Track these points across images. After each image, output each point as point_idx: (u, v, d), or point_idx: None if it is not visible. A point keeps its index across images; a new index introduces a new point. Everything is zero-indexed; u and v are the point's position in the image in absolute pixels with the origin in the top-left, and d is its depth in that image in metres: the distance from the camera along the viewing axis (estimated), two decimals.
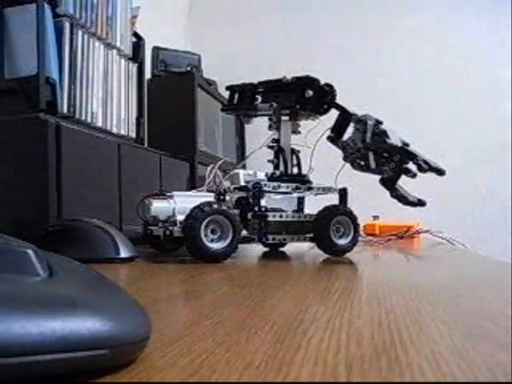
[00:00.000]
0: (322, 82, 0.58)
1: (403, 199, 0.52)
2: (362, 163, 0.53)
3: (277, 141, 0.60)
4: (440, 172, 0.51)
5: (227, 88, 0.63)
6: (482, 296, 0.31)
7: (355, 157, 0.53)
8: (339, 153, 0.57)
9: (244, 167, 0.71)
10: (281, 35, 1.97)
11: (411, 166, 0.51)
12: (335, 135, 0.56)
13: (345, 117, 0.55)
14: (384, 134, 0.52)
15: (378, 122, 0.52)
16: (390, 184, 0.52)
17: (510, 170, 1.75)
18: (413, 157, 0.50)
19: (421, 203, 0.52)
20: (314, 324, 0.22)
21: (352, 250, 0.57)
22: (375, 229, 0.97)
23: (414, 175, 0.51)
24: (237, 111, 0.64)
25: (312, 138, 0.57)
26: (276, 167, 0.59)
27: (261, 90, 0.60)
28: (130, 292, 0.21)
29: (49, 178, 0.58)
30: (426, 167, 0.50)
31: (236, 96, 0.62)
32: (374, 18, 1.91)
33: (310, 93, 0.56)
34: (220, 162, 0.63)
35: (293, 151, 0.60)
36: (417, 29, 1.88)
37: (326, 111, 0.57)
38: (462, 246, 0.92)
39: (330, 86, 0.57)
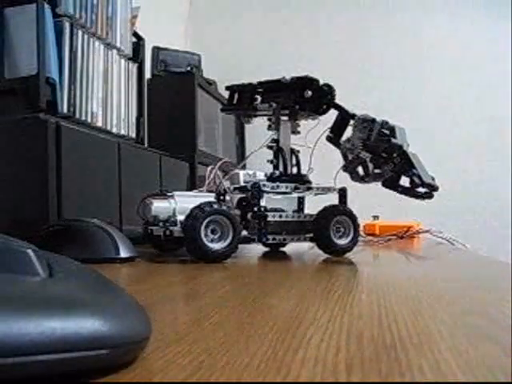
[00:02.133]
0: (322, 82, 0.58)
1: (410, 192, 0.51)
2: (361, 172, 0.53)
3: (276, 141, 0.60)
4: (433, 188, 0.50)
5: (227, 88, 0.63)
6: (482, 296, 0.31)
7: (354, 165, 0.53)
8: (339, 153, 0.57)
9: (244, 167, 0.71)
10: (281, 35, 1.97)
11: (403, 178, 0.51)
12: (334, 135, 0.56)
13: (344, 117, 0.55)
14: (392, 131, 0.51)
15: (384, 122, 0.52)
16: (392, 183, 0.52)
17: (510, 170, 1.75)
18: (409, 168, 0.50)
19: (429, 194, 0.51)
20: (313, 324, 0.22)
21: (352, 250, 0.57)
22: (375, 229, 0.97)
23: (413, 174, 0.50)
24: (236, 111, 0.64)
25: (312, 138, 0.58)
26: (275, 167, 0.59)
27: (260, 90, 0.60)
28: (130, 292, 0.21)
29: (49, 178, 0.58)
30: (419, 182, 0.50)
31: (236, 96, 0.62)
32: (375, 18, 1.91)
33: (310, 93, 0.56)
34: (220, 163, 0.63)
35: (292, 151, 0.61)
36: (416, 29, 1.88)
37: (325, 111, 0.57)
38: (462, 246, 0.92)
39: (329, 86, 0.57)
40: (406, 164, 0.50)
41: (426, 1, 1.88)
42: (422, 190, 0.51)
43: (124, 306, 0.18)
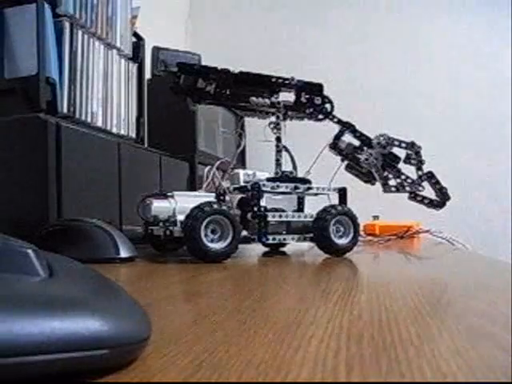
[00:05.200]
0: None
1: (441, 205, 0.61)
2: (394, 183, 0.61)
3: (279, 139, 0.60)
4: (447, 199, 0.61)
5: (177, 64, 0.59)
6: (482, 296, 0.31)
7: (388, 177, 0.61)
8: (331, 155, 0.61)
9: (243, 165, 0.71)
10: (281, 35, 1.97)
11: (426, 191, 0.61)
12: (335, 144, 0.61)
13: (347, 128, 0.61)
14: (418, 149, 0.60)
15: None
16: (420, 197, 0.61)
17: (509, 170, 1.75)
18: (439, 185, 0.61)
19: (443, 203, 0.61)
20: (313, 324, 0.22)
21: (352, 250, 0.57)
22: (375, 229, 0.97)
23: (423, 189, 0.61)
24: (186, 95, 0.61)
25: (314, 142, 0.59)
26: (279, 166, 0.59)
27: (239, 79, 0.60)
28: (130, 292, 0.21)
29: (49, 177, 0.58)
30: (448, 196, 0.60)
31: (185, 77, 0.59)
32: (376, 18, 1.91)
33: (320, 100, 0.58)
34: (218, 163, 0.63)
35: (288, 150, 0.61)
36: (415, 28, 1.88)
37: (322, 119, 0.60)
38: (462, 246, 0.92)
39: (327, 97, 0.60)
40: (435, 181, 0.60)
41: (432, 5, 1.88)
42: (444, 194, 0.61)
43: (124, 306, 0.18)
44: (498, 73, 1.80)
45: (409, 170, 0.61)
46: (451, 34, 1.85)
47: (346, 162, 0.62)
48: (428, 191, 0.61)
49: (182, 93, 0.59)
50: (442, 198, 0.61)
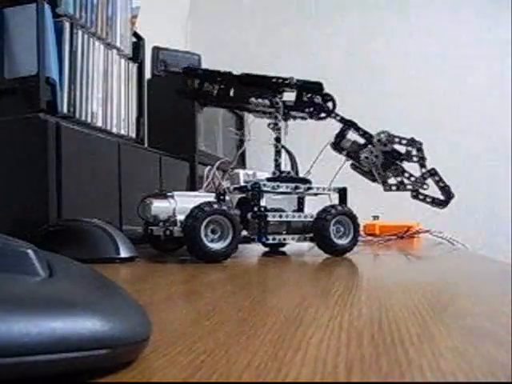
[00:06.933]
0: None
1: (444, 204, 0.61)
2: (393, 181, 0.61)
3: (278, 139, 0.60)
4: (451, 197, 0.61)
5: (184, 69, 0.60)
6: (481, 296, 0.31)
7: (389, 175, 0.61)
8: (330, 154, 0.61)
9: (243, 165, 0.71)
10: (281, 35, 1.97)
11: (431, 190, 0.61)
12: (336, 143, 0.61)
13: (349, 126, 0.60)
14: (420, 146, 0.60)
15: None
16: (422, 196, 0.61)
17: (509, 170, 1.75)
18: (444, 182, 0.61)
19: (447, 201, 0.61)
20: (313, 324, 0.22)
21: (352, 250, 0.57)
22: (375, 229, 0.97)
23: (427, 187, 0.61)
24: (198, 98, 0.61)
25: (314, 142, 0.58)
26: (278, 166, 0.59)
27: (243, 81, 0.60)
28: (130, 292, 0.21)
29: (49, 177, 0.58)
30: (452, 195, 0.61)
31: (192, 81, 0.60)
32: (375, 18, 1.91)
33: (320, 98, 0.58)
34: (218, 163, 0.63)
35: (288, 151, 0.61)
36: (414, 28, 1.88)
37: (324, 118, 0.60)
38: (462, 246, 0.92)
39: (329, 95, 0.59)
40: (439, 179, 0.60)
41: (432, 2, 1.88)
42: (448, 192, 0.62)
43: (124, 306, 0.18)
44: (499, 71, 1.80)
45: (413, 169, 0.61)
46: (451, 33, 1.85)
47: (349, 162, 0.62)
48: (432, 190, 0.60)
49: (189, 96, 0.60)
50: (445, 197, 0.60)
